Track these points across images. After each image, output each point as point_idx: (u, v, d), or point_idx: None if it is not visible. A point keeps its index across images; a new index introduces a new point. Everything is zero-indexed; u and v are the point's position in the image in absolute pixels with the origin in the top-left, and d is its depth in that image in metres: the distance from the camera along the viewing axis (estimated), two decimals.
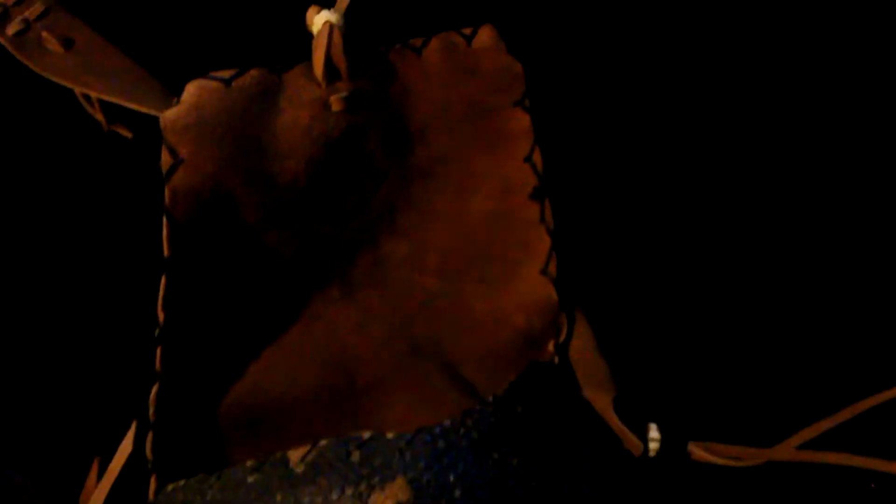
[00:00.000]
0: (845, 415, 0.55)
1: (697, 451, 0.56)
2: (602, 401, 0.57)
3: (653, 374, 0.61)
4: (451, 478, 0.50)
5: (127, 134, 0.65)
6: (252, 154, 0.53)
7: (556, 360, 0.59)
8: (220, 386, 0.55)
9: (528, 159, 0.59)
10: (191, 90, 0.52)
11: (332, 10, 0.54)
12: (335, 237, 0.57)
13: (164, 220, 0.51)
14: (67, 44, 0.58)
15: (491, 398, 0.54)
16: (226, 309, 0.55)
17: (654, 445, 0.56)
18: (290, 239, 0.56)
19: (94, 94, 0.58)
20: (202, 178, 0.52)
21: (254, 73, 0.53)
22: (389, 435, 0.51)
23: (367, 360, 0.58)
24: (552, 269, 0.59)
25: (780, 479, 0.57)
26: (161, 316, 0.51)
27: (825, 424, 0.55)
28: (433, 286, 0.59)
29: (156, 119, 0.54)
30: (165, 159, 0.51)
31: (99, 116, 0.63)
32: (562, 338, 0.60)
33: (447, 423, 0.52)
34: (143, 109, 0.56)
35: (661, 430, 0.56)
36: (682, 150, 0.69)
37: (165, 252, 0.52)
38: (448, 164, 0.59)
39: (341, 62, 0.54)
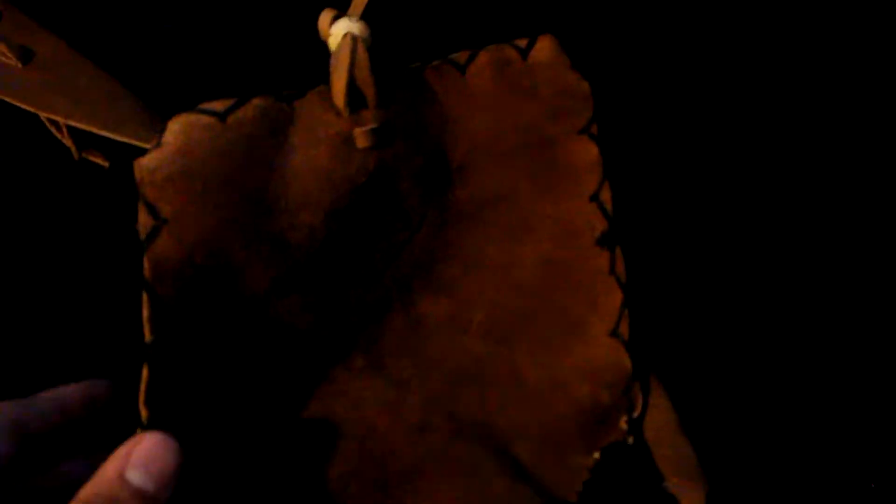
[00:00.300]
0: None
1: None
2: (692, 497, 0.47)
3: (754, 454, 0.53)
4: None
5: (103, 163, 0.54)
6: (256, 209, 0.42)
7: (630, 440, 0.49)
8: (229, 486, 0.44)
9: (595, 198, 0.49)
10: (174, 129, 0.41)
11: (351, 16, 0.43)
12: (360, 299, 0.47)
13: (145, 297, 0.40)
14: (25, 56, 0.48)
15: None
16: (226, 399, 0.43)
17: None
18: (306, 307, 0.45)
19: (60, 120, 0.48)
20: (192, 244, 0.41)
21: (257, 102, 0.42)
22: None
23: (400, 443, 0.47)
24: (624, 329, 0.49)
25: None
26: (144, 413, 0.40)
27: None
28: (478, 351, 0.49)
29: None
30: (144, 221, 0.40)
31: (68, 142, 0.52)
32: (636, 412, 0.50)
33: None
34: (122, 138, 0.46)
35: None
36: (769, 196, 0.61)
37: (147, 336, 0.40)
38: (497, 205, 0.48)
39: (368, 86, 0.43)
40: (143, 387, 0.40)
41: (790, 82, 0.62)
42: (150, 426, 0.40)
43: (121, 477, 0.38)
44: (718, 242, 0.59)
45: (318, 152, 0.43)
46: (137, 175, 0.40)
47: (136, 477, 0.38)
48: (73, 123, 0.48)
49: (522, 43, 0.47)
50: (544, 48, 0.47)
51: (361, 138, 0.44)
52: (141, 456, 0.38)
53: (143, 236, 0.40)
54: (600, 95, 0.48)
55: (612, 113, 0.49)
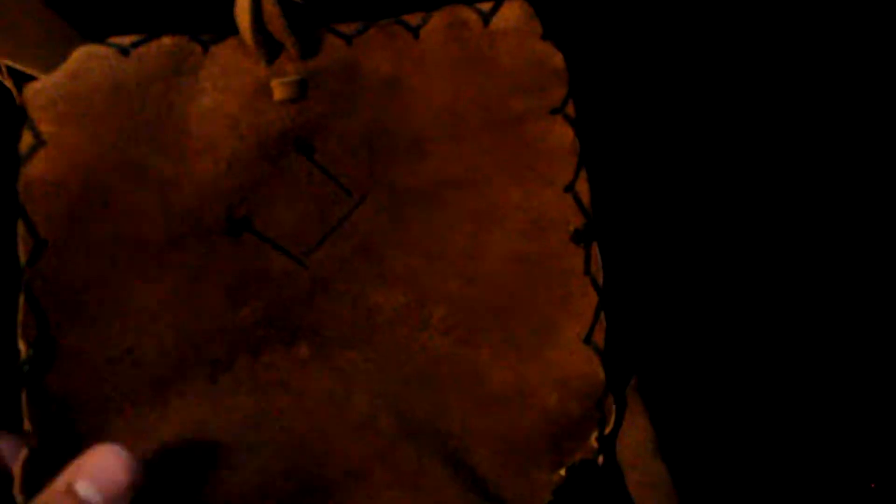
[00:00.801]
0: None
1: None
2: None
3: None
4: None
5: None
6: (147, 148, 0.41)
7: (601, 459, 0.45)
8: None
9: (569, 188, 0.44)
10: (74, 56, 0.41)
11: None
12: (291, 275, 0.43)
13: (20, 222, 0.39)
14: None
15: None
16: (123, 366, 0.41)
17: None
18: (213, 267, 0.42)
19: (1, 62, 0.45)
20: (66, 169, 0.40)
21: (167, 41, 0.41)
22: None
23: (343, 442, 0.44)
24: (598, 336, 0.45)
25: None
26: (23, 349, 0.39)
27: None
28: (438, 349, 0.45)
29: None
30: (25, 141, 0.40)
31: (8, 83, 0.51)
32: (608, 429, 0.45)
33: None
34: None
35: None
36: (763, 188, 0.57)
37: (21, 259, 0.39)
38: (460, 189, 0.44)
39: (283, 34, 0.40)
40: (19, 329, 0.38)
41: (778, 68, 0.57)
42: (30, 366, 0.38)
43: (69, 488, 0.36)
44: (708, 244, 0.54)
45: (226, 98, 0.41)
46: (25, 95, 0.40)
47: (83, 488, 0.36)
48: (15, 66, 0.45)
49: (486, 6, 0.43)
50: (512, 12, 0.43)
51: (279, 90, 0.41)
52: (91, 467, 0.36)
53: (21, 155, 0.40)
54: (581, 72, 0.43)
55: (594, 93, 0.45)
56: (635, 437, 0.46)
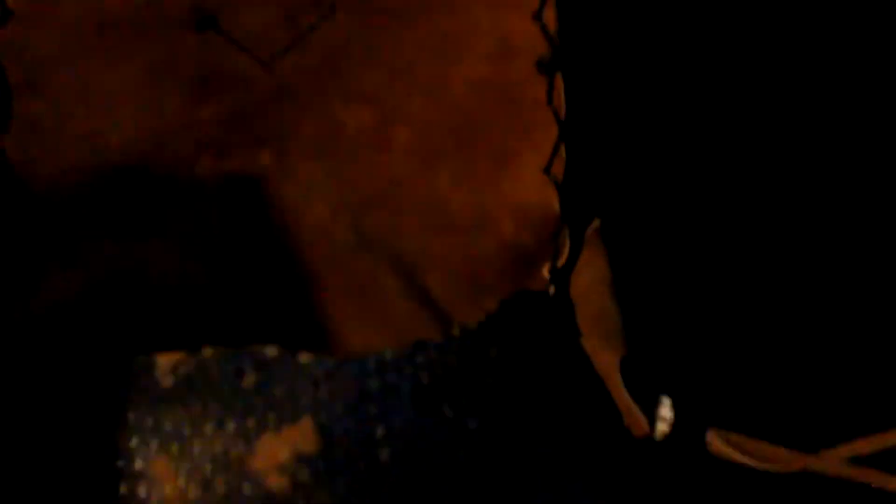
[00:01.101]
0: None
1: (717, 443, 0.42)
2: (606, 358, 0.44)
3: (676, 334, 0.48)
4: (380, 432, 0.40)
5: None
6: None
7: (552, 290, 0.45)
8: None
9: (537, 16, 0.44)
10: None
11: None
12: (256, 80, 0.44)
13: None
14: None
15: (457, 329, 0.43)
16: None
17: (662, 427, 0.43)
18: (177, 61, 0.43)
19: None
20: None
21: None
22: (303, 358, 0.41)
23: (301, 246, 0.45)
24: (558, 168, 0.45)
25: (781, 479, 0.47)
26: None
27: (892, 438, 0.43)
28: (400, 171, 0.46)
29: None
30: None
31: None
32: (561, 261, 0.46)
33: (388, 353, 0.41)
34: None
35: (675, 407, 0.43)
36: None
37: None
38: (433, 10, 0.44)
39: None
40: None
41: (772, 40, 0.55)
42: None
43: None
44: (680, 87, 0.52)
45: None
46: None
47: None
48: None
49: None
50: None
51: None
52: None
53: None
54: None
55: None
56: (591, 275, 0.46)
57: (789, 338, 0.50)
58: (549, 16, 0.44)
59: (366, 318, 0.44)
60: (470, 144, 0.46)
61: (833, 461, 0.43)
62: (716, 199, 0.53)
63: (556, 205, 0.45)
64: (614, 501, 0.42)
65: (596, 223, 0.47)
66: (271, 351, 0.41)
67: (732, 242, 0.52)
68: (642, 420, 0.42)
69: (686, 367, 0.46)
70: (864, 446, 0.44)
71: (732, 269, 0.51)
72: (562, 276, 0.45)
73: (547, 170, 0.45)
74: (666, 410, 0.42)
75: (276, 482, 0.40)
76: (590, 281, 0.46)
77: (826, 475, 0.44)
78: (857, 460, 0.44)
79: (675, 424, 0.42)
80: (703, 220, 0.53)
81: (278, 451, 0.40)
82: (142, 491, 0.39)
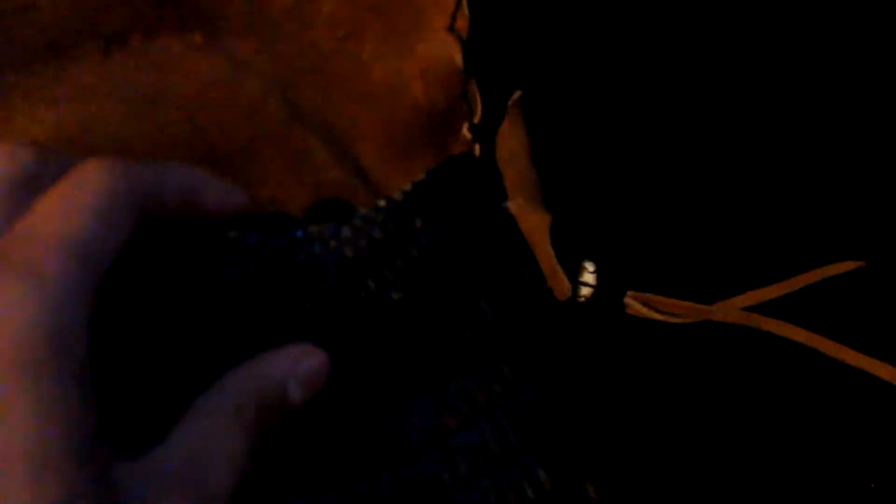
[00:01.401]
0: (802, 281, 0.49)
1: (635, 304, 0.46)
2: (532, 219, 0.45)
3: (596, 199, 0.50)
4: (307, 306, 0.39)
5: None
6: None
7: (477, 149, 0.46)
8: None
9: None
10: None
11: None
12: None
13: None
14: None
15: (383, 200, 0.42)
16: None
17: (585, 290, 0.45)
18: None
19: None
20: None
21: None
22: (230, 234, 0.39)
23: (233, 121, 0.44)
24: (461, 24, 0.45)
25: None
26: None
27: (778, 289, 0.48)
28: (325, 45, 0.46)
29: None
30: None
31: None
32: (476, 118, 0.46)
33: (313, 229, 0.40)
34: None
35: (598, 270, 0.45)
36: None
37: None
38: None
39: None
40: None
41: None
42: None
43: (282, 383, 0.34)
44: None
45: None
46: None
47: (295, 391, 0.34)
48: None
49: None
50: None
51: None
52: (308, 372, 0.35)
53: None
54: None
55: None
56: (513, 144, 0.47)
57: (696, 201, 0.53)
58: None
59: (302, 185, 0.44)
60: (388, 12, 0.45)
61: (730, 310, 0.48)
62: (630, 60, 0.53)
63: (458, 59, 0.45)
64: (543, 364, 0.44)
65: (517, 94, 0.47)
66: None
67: (647, 114, 0.54)
68: (565, 282, 0.44)
69: (606, 233, 0.48)
70: (753, 297, 0.48)
71: (645, 149, 0.53)
72: (484, 135, 0.46)
73: (451, 27, 0.45)
74: (589, 274, 0.45)
75: None
76: (512, 149, 0.47)
77: (726, 323, 0.48)
78: (751, 309, 0.48)
79: (598, 287, 0.44)
80: (616, 85, 0.54)
81: None
82: None
